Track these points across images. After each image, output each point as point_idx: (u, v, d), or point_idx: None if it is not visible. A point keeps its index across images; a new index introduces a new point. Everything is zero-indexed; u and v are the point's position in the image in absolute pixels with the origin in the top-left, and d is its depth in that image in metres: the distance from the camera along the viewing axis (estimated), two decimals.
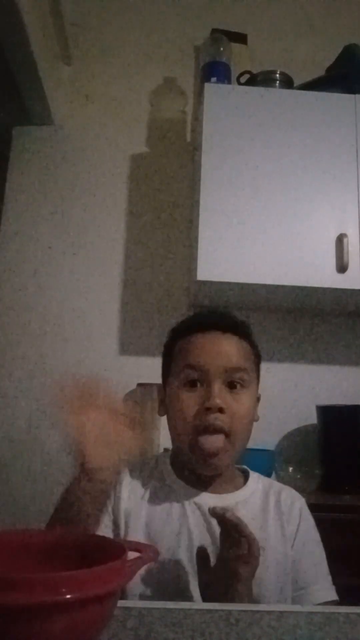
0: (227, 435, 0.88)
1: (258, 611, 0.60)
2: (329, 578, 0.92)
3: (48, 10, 1.96)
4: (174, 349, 0.96)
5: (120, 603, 0.58)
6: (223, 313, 1.01)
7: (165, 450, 1.33)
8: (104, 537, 0.58)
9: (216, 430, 0.87)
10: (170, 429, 0.94)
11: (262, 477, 1.02)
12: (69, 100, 2.27)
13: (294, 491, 1.01)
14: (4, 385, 2.02)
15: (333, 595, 0.89)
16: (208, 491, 0.94)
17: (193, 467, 0.92)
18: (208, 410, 0.88)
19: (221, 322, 0.96)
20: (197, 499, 0.92)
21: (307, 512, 0.98)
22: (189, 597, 0.81)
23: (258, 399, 0.96)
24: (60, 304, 2.10)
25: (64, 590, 0.44)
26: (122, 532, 0.89)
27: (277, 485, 1.01)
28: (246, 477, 1.00)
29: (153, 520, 0.90)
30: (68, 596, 0.44)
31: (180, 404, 0.91)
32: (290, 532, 0.93)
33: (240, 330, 0.96)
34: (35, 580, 0.46)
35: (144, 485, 0.95)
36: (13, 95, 2.00)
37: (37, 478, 1.91)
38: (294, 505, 0.97)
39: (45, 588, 0.44)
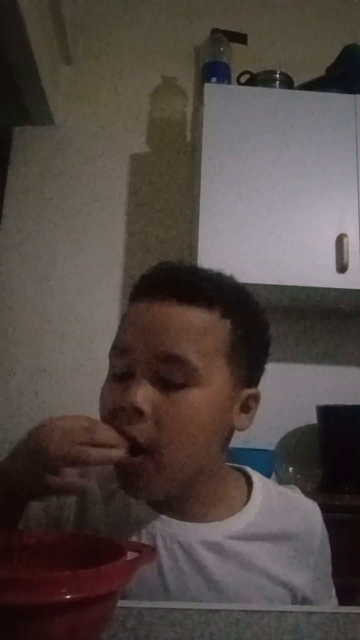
0: (148, 450, 0.62)
1: (258, 611, 0.60)
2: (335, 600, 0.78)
3: (48, 10, 1.96)
4: None
5: (120, 603, 0.58)
6: (191, 270, 0.73)
7: None
8: (103, 538, 0.58)
9: (130, 441, 0.62)
10: None
11: (269, 484, 0.77)
12: (69, 100, 2.26)
13: (311, 507, 0.77)
14: (4, 385, 2.02)
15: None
16: (190, 519, 0.69)
17: None
18: (122, 411, 0.63)
19: (177, 284, 0.66)
20: (168, 529, 0.68)
21: (327, 541, 0.76)
22: None
23: (256, 399, 0.70)
24: (60, 303, 2.10)
25: (64, 590, 0.44)
26: None
27: (292, 498, 0.77)
28: (249, 486, 0.75)
29: None
30: (68, 597, 0.44)
31: (101, 399, 0.67)
32: (305, 579, 0.71)
33: (210, 298, 0.66)
34: (35, 580, 0.46)
35: (106, 505, 0.71)
36: (13, 95, 2.00)
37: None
38: (314, 534, 0.74)
39: (45, 588, 0.44)
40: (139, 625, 0.55)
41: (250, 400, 0.70)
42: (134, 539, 0.67)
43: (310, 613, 0.61)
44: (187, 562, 0.67)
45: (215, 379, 0.65)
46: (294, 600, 0.69)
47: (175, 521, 0.69)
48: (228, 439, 0.71)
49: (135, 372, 0.64)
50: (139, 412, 0.62)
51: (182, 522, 0.69)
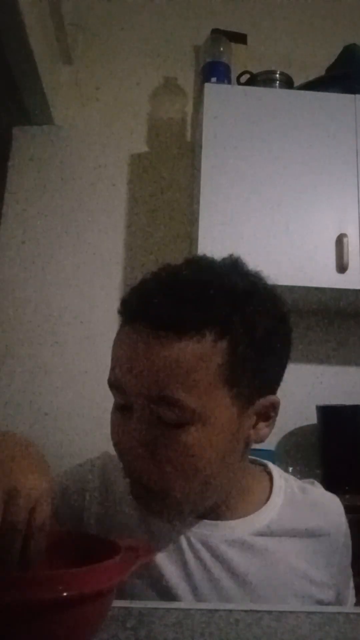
0: (151, 490, 0.61)
1: (258, 611, 0.60)
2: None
3: (48, 10, 1.96)
4: None
5: (121, 603, 0.58)
6: (175, 289, 0.60)
7: None
8: (99, 536, 0.58)
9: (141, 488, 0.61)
10: None
11: (290, 479, 0.76)
12: (69, 100, 2.26)
13: (334, 502, 0.76)
14: (4, 385, 2.02)
15: None
16: (213, 517, 0.68)
17: None
18: (120, 449, 0.62)
19: (158, 312, 0.58)
20: (197, 530, 0.67)
21: (349, 535, 0.75)
22: None
23: (274, 407, 0.65)
24: (60, 303, 2.09)
25: (60, 588, 0.44)
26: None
27: (313, 493, 0.75)
28: (270, 480, 0.73)
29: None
30: (65, 594, 0.44)
31: (111, 427, 0.65)
32: (329, 575, 0.70)
33: (199, 325, 0.58)
34: (32, 578, 0.46)
35: (129, 504, 0.68)
36: (13, 95, 2.00)
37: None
38: (338, 531, 0.72)
39: (42, 586, 0.44)
40: (139, 625, 0.55)
41: (268, 409, 0.65)
42: (157, 539, 0.66)
43: (310, 613, 0.61)
44: (214, 561, 0.65)
45: (216, 412, 0.59)
46: (319, 596, 0.69)
47: (198, 520, 0.67)
48: (247, 448, 0.67)
49: (133, 407, 0.61)
50: (135, 454, 0.60)
51: (206, 521, 0.67)
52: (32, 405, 1.98)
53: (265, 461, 0.77)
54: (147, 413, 0.59)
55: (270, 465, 0.77)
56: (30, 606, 0.44)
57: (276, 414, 0.66)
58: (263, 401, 0.64)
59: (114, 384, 0.62)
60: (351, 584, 0.77)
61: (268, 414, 0.66)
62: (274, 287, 0.69)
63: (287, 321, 0.67)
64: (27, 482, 0.48)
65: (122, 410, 0.63)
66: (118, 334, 0.64)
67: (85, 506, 0.70)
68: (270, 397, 0.65)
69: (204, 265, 0.67)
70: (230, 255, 0.68)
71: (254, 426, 0.65)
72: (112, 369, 0.63)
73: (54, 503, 0.59)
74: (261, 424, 0.65)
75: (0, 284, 2.10)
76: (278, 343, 0.65)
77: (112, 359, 0.63)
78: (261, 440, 0.66)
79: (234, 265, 0.67)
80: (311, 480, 0.81)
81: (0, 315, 2.08)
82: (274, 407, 0.66)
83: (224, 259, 0.68)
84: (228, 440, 0.61)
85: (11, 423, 1.98)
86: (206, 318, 0.59)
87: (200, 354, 0.58)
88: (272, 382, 0.66)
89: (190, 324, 0.58)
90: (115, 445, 0.63)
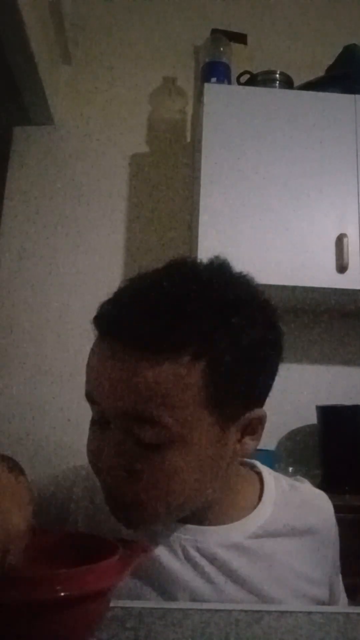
0: (127, 506, 0.59)
1: (258, 611, 0.60)
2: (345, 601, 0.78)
3: (48, 10, 1.96)
4: None
5: (121, 603, 0.58)
6: (150, 304, 0.56)
7: None
8: (97, 536, 0.58)
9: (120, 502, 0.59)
10: None
11: (280, 478, 0.76)
12: (69, 100, 2.26)
13: (323, 499, 0.76)
14: (4, 385, 2.02)
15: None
16: (207, 523, 0.66)
17: None
18: (96, 467, 0.60)
19: (132, 331, 0.55)
20: (186, 536, 0.65)
21: (337, 527, 0.75)
22: None
23: (260, 421, 0.62)
24: (60, 303, 2.09)
25: (58, 588, 0.44)
26: None
27: (303, 491, 0.75)
28: (260, 480, 0.73)
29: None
30: (62, 594, 0.44)
31: (88, 442, 0.62)
32: (324, 570, 0.71)
33: (175, 344, 0.54)
34: (29, 578, 0.46)
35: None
36: (13, 95, 2.00)
37: (37, 478, 1.91)
38: (329, 526, 0.73)
39: (39, 586, 0.45)
40: (139, 625, 0.55)
41: (253, 423, 0.62)
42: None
43: (310, 613, 0.61)
44: (212, 567, 0.64)
45: (196, 432, 0.56)
46: (315, 593, 0.69)
47: (192, 527, 0.65)
48: (234, 460, 0.64)
49: (110, 421, 0.58)
50: (111, 473, 0.58)
51: (200, 527, 0.66)
52: (32, 405, 1.98)
53: (253, 461, 0.76)
54: (124, 432, 0.57)
55: (258, 464, 0.76)
56: (28, 606, 0.44)
57: (262, 427, 0.63)
58: (249, 415, 0.61)
59: (89, 396, 0.60)
60: (340, 577, 0.77)
61: (254, 428, 0.63)
62: (262, 292, 0.64)
63: (277, 328, 0.63)
64: (2, 523, 0.46)
65: (99, 424, 0.60)
66: (93, 346, 0.61)
67: (70, 514, 0.69)
68: (257, 411, 0.62)
69: (185, 273, 0.61)
70: (216, 258, 0.64)
71: (240, 440, 0.62)
72: (87, 379, 0.60)
73: (41, 509, 0.59)
74: (247, 438, 0.62)
75: (0, 284, 2.11)
76: (267, 353, 0.62)
77: (87, 373, 0.61)
78: (246, 455, 0.63)
79: (218, 270, 0.62)
80: (298, 477, 0.82)
81: (0, 315, 2.08)
82: (261, 421, 0.62)
83: (208, 264, 0.63)
84: (209, 459, 0.59)
85: (11, 423, 1.98)
86: (183, 337, 0.55)
87: (178, 375, 0.54)
88: (259, 395, 0.63)
89: (166, 344, 0.54)
90: (91, 461, 0.61)
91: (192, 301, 0.56)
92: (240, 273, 0.64)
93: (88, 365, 0.61)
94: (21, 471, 0.53)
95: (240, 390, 0.59)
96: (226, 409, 0.58)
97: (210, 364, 0.55)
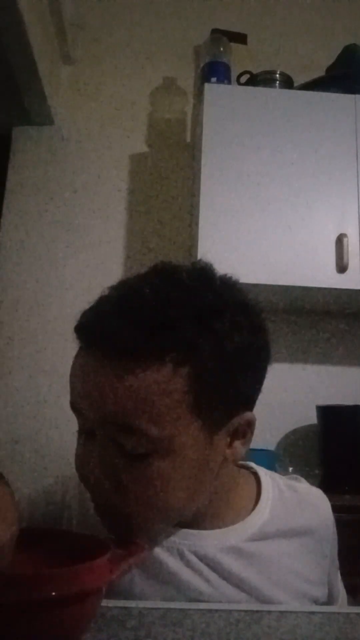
0: (115, 516, 0.59)
1: (258, 611, 0.60)
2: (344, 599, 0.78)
3: (48, 10, 1.96)
4: None
5: (121, 603, 0.58)
6: (133, 310, 0.56)
7: None
8: (89, 535, 0.58)
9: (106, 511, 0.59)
10: None
11: (276, 478, 0.75)
12: (69, 100, 2.26)
13: (320, 497, 0.76)
14: (4, 385, 2.02)
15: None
16: (204, 527, 0.65)
17: None
18: (82, 477, 0.60)
19: (112, 338, 0.55)
20: (183, 541, 0.64)
21: (334, 524, 0.75)
22: None
23: (249, 425, 0.61)
24: (60, 303, 2.09)
25: (48, 587, 0.44)
26: None
27: (300, 490, 0.75)
28: (257, 481, 0.72)
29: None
30: (53, 593, 0.44)
31: (76, 452, 0.62)
32: (324, 569, 0.71)
33: (157, 351, 0.54)
34: (20, 577, 0.46)
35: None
36: (13, 95, 2.00)
37: (37, 478, 1.91)
38: (328, 525, 0.73)
39: (30, 586, 0.45)
40: (139, 625, 0.55)
41: (243, 427, 0.61)
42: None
43: (310, 613, 0.61)
44: (211, 571, 0.63)
45: (182, 440, 0.56)
46: (314, 594, 0.69)
47: (189, 531, 0.65)
48: (226, 465, 0.63)
49: (95, 432, 0.57)
50: (97, 484, 0.57)
51: (197, 531, 0.65)
52: (32, 405, 1.98)
53: (249, 463, 0.75)
54: (109, 442, 0.56)
55: (255, 465, 0.75)
56: (18, 606, 0.44)
57: (252, 431, 0.62)
58: (238, 419, 0.60)
59: (74, 406, 0.59)
60: (338, 573, 0.77)
61: (244, 432, 0.62)
62: (247, 296, 0.63)
63: (263, 331, 0.63)
64: None
65: (85, 434, 0.60)
66: (76, 356, 0.60)
67: (63, 523, 0.69)
68: (245, 415, 0.61)
69: (166, 279, 0.60)
70: (199, 262, 0.64)
71: (230, 445, 0.61)
72: (72, 391, 0.59)
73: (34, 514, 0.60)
74: (237, 443, 0.62)
75: (0, 284, 2.11)
76: (253, 357, 0.61)
77: (71, 382, 0.60)
78: (237, 460, 0.63)
79: (201, 275, 0.62)
80: (295, 475, 0.81)
81: (1, 315, 2.08)
82: (250, 425, 0.62)
83: (190, 269, 0.62)
84: (198, 466, 0.58)
85: (11, 423, 1.98)
86: (165, 344, 0.54)
87: (161, 383, 0.54)
88: (247, 399, 0.62)
89: (148, 351, 0.54)
90: (78, 471, 0.61)
91: (173, 308, 0.55)
92: (225, 276, 0.63)
93: (71, 374, 0.60)
94: (1, 476, 0.53)
95: (226, 396, 0.58)
96: (212, 415, 0.58)
97: (193, 370, 0.55)
